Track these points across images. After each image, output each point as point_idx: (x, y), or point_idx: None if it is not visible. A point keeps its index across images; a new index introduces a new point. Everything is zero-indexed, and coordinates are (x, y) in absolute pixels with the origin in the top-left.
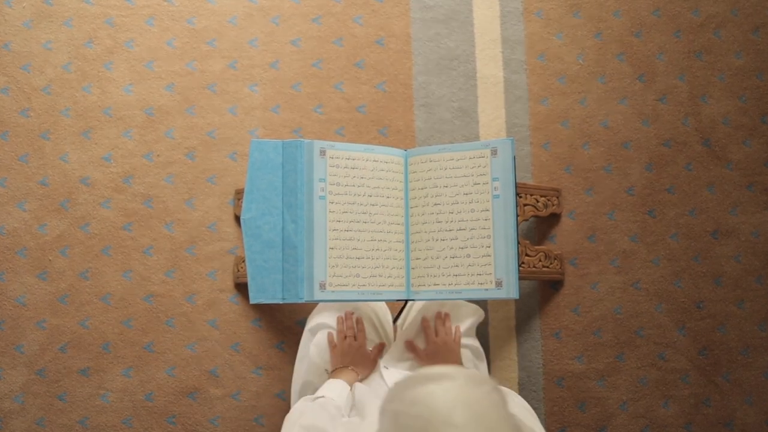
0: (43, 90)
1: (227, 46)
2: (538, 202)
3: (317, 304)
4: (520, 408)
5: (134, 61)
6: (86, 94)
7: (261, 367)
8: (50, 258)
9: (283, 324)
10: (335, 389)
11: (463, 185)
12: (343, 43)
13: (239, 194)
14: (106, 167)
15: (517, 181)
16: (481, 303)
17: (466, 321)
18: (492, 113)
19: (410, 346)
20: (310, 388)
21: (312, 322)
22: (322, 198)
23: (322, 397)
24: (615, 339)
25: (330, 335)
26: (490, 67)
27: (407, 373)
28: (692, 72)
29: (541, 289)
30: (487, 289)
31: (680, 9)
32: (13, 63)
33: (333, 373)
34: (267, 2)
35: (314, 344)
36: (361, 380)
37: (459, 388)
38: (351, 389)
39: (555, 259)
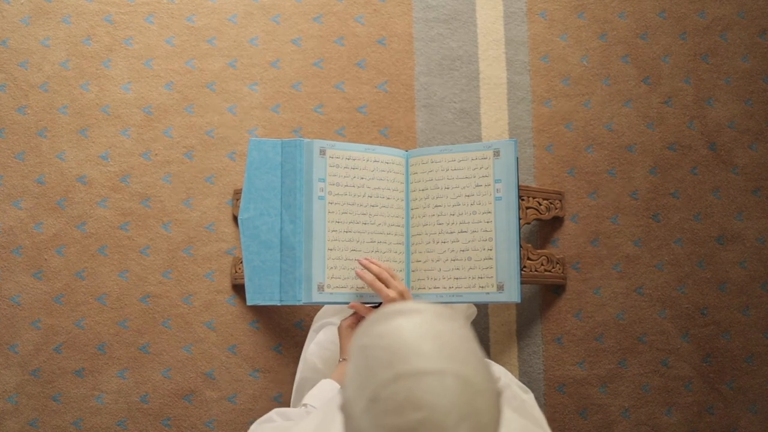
0: (40, 87)
1: (227, 44)
2: (540, 205)
3: (317, 306)
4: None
5: (133, 59)
6: (84, 92)
7: (258, 370)
8: (46, 257)
9: (281, 326)
10: (320, 392)
11: (464, 187)
12: (345, 42)
13: (238, 194)
14: (103, 166)
15: (519, 183)
16: (482, 307)
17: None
18: (494, 115)
19: (356, 305)
20: (307, 386)
21: (318, 322)
22: (322, 198)
23: (304, 405)
24: (617, 345)
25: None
26: (493, 68)
27: None
28: (698, 75)
29: (542, 294)
30: (488, 293)
31: (686, 11)
32: (11, 60)
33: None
34: (268, 1)
35: (315, 342)
36: None
37: (428, 322)
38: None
39: (557, 263)
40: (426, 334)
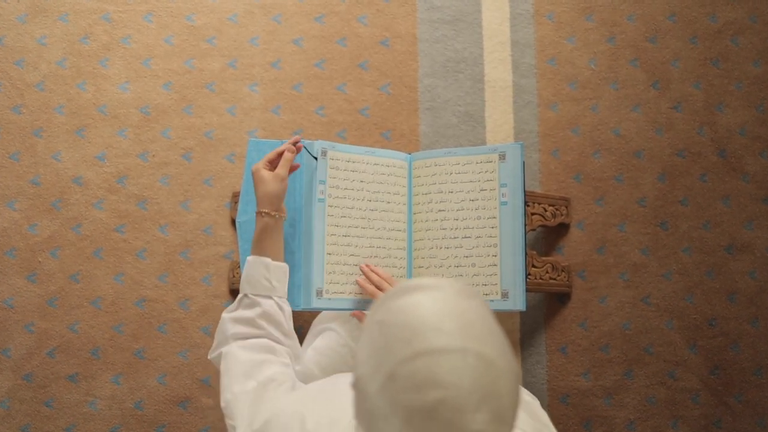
0: (36, 86)
1: (227, 44)
2: (546, 211)
3: (315, 311)
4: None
5: (131, 58)
6: (81, 92)
7: None
8: (40, 259)
9: None
10: (252, 276)
11: (469, 191)
12: (347, 43)
13: (236, 197)
14: (99, 167)
15: (525, 188)
16: None
17: None
18: (500, 118)
19: (358, 313)
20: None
21: (316, 327)
22: (321, 201)
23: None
24: (623, 356)
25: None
26: (498, 70)
27: None
28: (708, 80)
29: (547, 302)
30: (492, 300)
31: (697, 14)
32: (6, 58)
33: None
34: (268, 0)
35: (312, 348)
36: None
37: (448, 298)
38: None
39: (562, 271)
40: (446, 311)
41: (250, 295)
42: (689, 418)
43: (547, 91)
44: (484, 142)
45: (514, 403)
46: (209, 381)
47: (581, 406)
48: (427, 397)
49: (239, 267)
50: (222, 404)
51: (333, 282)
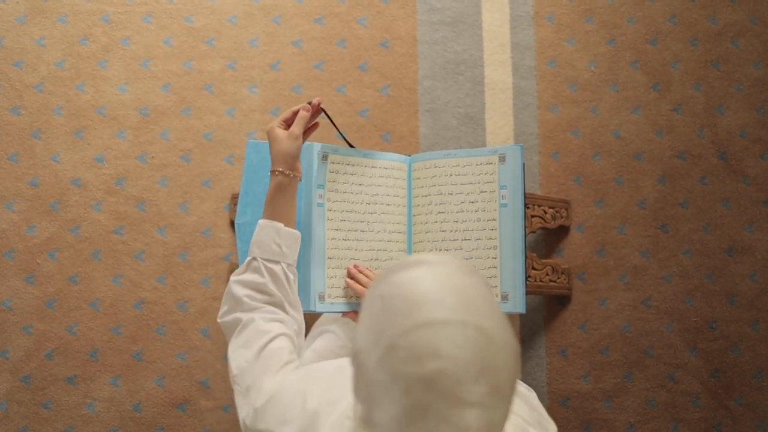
0: (35, 88)
1: (226, 45)
2: (546, 213)
3: (315, 315)
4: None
5: (130, 60)
6: (80, 93)
7: None
8: (39, 261)
9: None
10: (262, 237)
11: (468, 193)
12: (347, 44)
13: (235, 199)
14: (98, 168)
15: (525, 190)
16: None
17: None
18: (499, 120)
19: (352, 314)
20: None
21: (316, 329)
22: (320, 205)
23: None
24: (623, 358)
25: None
26: (498, 72)
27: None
28: (709, 82)
29: (547, 305)
30: None
31: (697, 16)
32: (6, 59)
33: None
34: (268, 1)
35: (311, 349)
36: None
37: (449, 274)
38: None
39: (562, 273)
40: (447, 286)
41: (258, 259)
42: (689, 422)
43: (547, 93)
44: (484, 144)
45: (513, 378)
46: (208, 383)
47: (581, 409)
48: (426, 367)
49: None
50: (234, 372)
51: (334, 286)
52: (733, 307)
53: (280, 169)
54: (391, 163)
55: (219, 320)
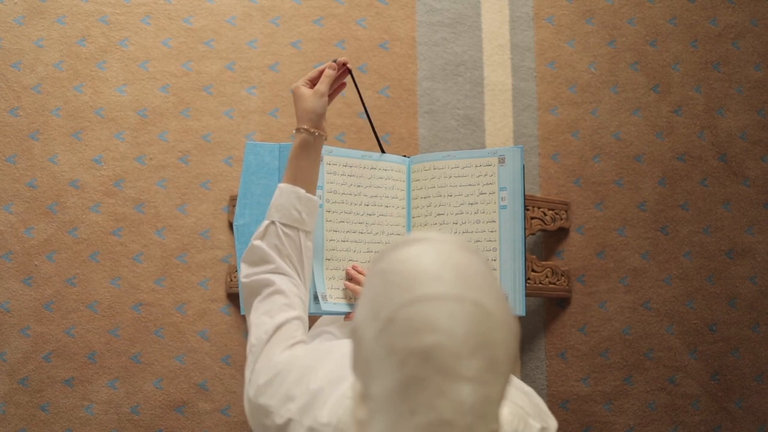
0: (33, 89)
1: (225, 46)
2: (545, 215)
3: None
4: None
5: (128, 61)
6: (78, 94)
7: None
8: (36, 263)
9: None
10: (281, 201)
11: (468, 194)
12: (346, 45)
13: (234, 200)
14: (96, 170)
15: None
16: None
17: None
18: (499, 122)
19: (352, 315)
20: None
21: (315, 330)
22: (320, 206)
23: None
24: (623, 361)
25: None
26: (498, 73)
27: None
28: (709, 84)
29: (546, 307)
30: None
31: (698, 18)
32: (3, 60)
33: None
34: (267, 2)
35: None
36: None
37: (450, 251)
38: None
39: (562, 275)
40: (447, 262)
41: (277, 224)
42: (689, 424)
43: (546, 94)
44: (483, 146)
45: (509, 356)
46: (206, 385)
47: (581, 412)
48: (423, 340)
49: (236, 271)
50: (253, 341)
51: (334, 287)
52: (734, 310)
53: (305, 127)
54: (390, 164)
55: (245, 279)
